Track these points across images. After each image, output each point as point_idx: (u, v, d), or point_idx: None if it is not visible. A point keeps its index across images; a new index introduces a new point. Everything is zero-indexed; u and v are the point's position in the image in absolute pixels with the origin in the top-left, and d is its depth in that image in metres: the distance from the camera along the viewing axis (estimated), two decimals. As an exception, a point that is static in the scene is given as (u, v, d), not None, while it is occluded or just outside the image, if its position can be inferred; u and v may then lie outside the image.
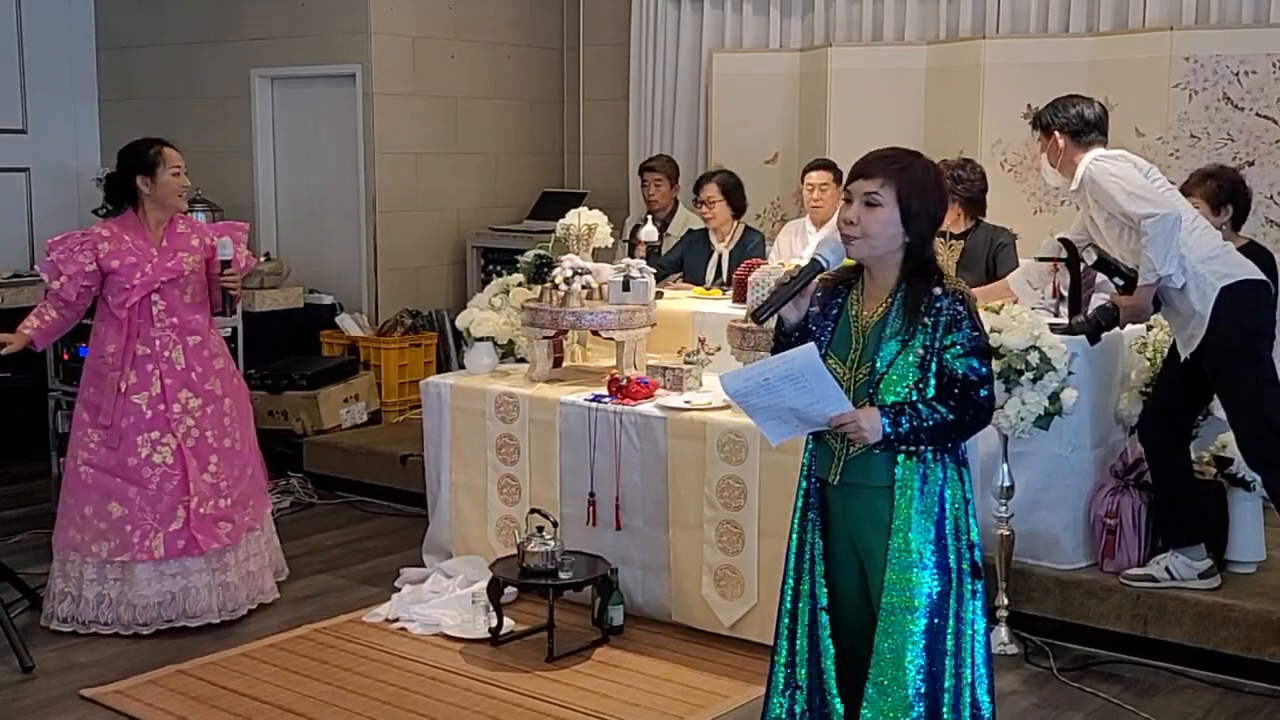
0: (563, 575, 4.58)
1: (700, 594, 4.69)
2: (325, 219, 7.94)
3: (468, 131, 8.12)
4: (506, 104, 8.35)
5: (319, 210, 7.98)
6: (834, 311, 3.01)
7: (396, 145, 7.71)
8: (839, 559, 3.02)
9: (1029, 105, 6.50)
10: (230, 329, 6.78)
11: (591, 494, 4.91)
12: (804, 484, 3.07)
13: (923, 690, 2.90)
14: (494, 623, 4.67)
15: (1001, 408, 4.37)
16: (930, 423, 2.84)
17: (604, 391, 4.99)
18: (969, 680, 2.94)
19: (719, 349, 5.12)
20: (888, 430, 2.83)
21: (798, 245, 6.28)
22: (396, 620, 4.88)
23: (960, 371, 2.87)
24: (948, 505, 2.92)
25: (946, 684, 2.91)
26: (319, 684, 4.35)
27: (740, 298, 5.31)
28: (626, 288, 5.14)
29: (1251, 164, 6.02)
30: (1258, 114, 6.07)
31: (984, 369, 2.88)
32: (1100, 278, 5.29)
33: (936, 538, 2.90)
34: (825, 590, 3.01)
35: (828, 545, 3.02)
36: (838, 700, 3.00)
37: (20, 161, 8.10)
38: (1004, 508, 4.58)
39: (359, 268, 7.78)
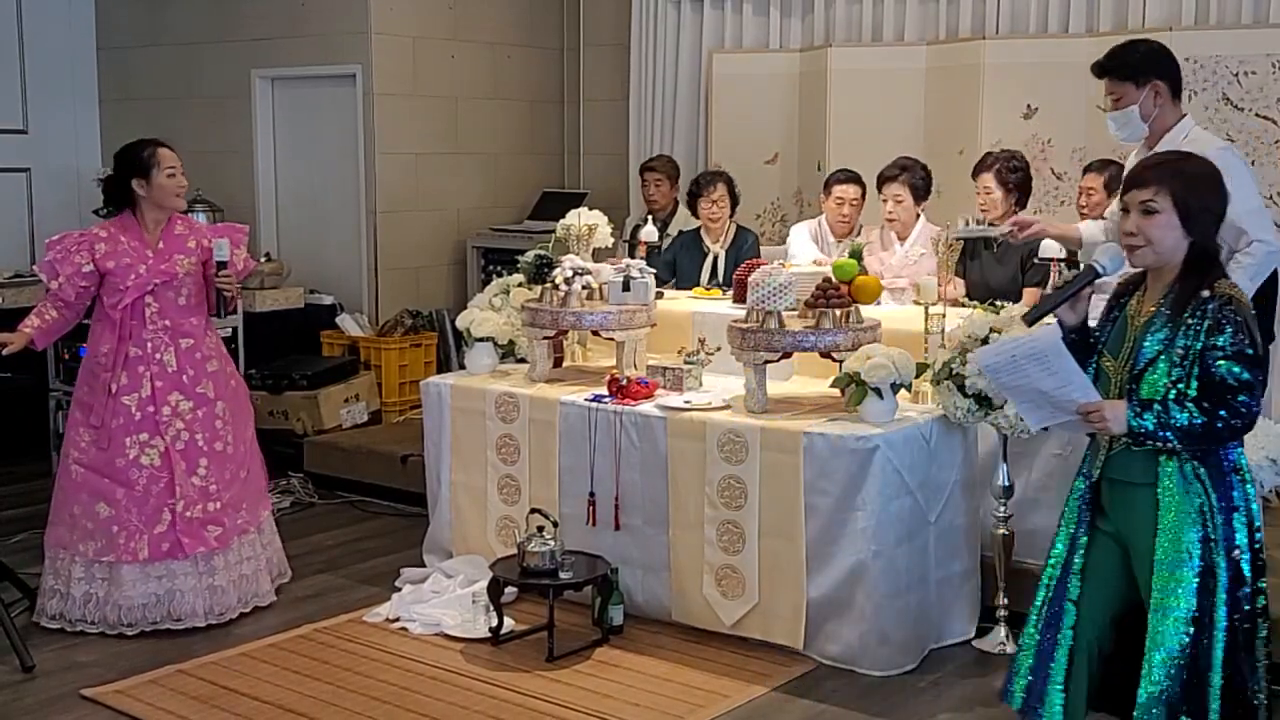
0: (563, 575, 4.58)
1: (701, 593, 4.69)
2: (325, 219, 7.94)
3: (468, 131, 8.12)
4: (506, 104, 8.35)
5: (319, 210, 7.98)
6: (1114, 313, 3.11)
7: (396, 145, 7.71)
8: (1100, 554, 3.09)
9: (1029, 105, 6.53)
10: (230, 329, 6.79)
11: (591, 494, 4.91)
12: (1077, 479, 3.16)
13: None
14: (494, 622, 4.67)
15: (1000, 408, 4.37)
16: (1179, 421, 2.86)
17: (604, 391, 4.99)
18: (1236, 682, 2.95)
19: (719, 349, 5.13)
20: (1132, 423, 2.87)
21: (819, 255, 6.16)
22: (397, 620, 4.88)
23: (1220, 374, 2.88)
24: (1216, 508, 2.93)
25: (1212, 683, 2.92)
26: (319, 684, 4.36)
27: (740, 298, 5.30)
28: (626, 288, 5.14)
29: (1251, 164, 6.01)
30: (1257, 114, 6.07)
31: (1245, 375, 2.88)
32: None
33: (1203, 540, 2.92)
34: (1078, 584, 3.09)
35: (1091, 540, 3.10)
36: (1059, 691, 3.06)
37: (20, 161, 8.10)
38: (1003, 508, 4.58)
39: (359, 268, 7.78)
